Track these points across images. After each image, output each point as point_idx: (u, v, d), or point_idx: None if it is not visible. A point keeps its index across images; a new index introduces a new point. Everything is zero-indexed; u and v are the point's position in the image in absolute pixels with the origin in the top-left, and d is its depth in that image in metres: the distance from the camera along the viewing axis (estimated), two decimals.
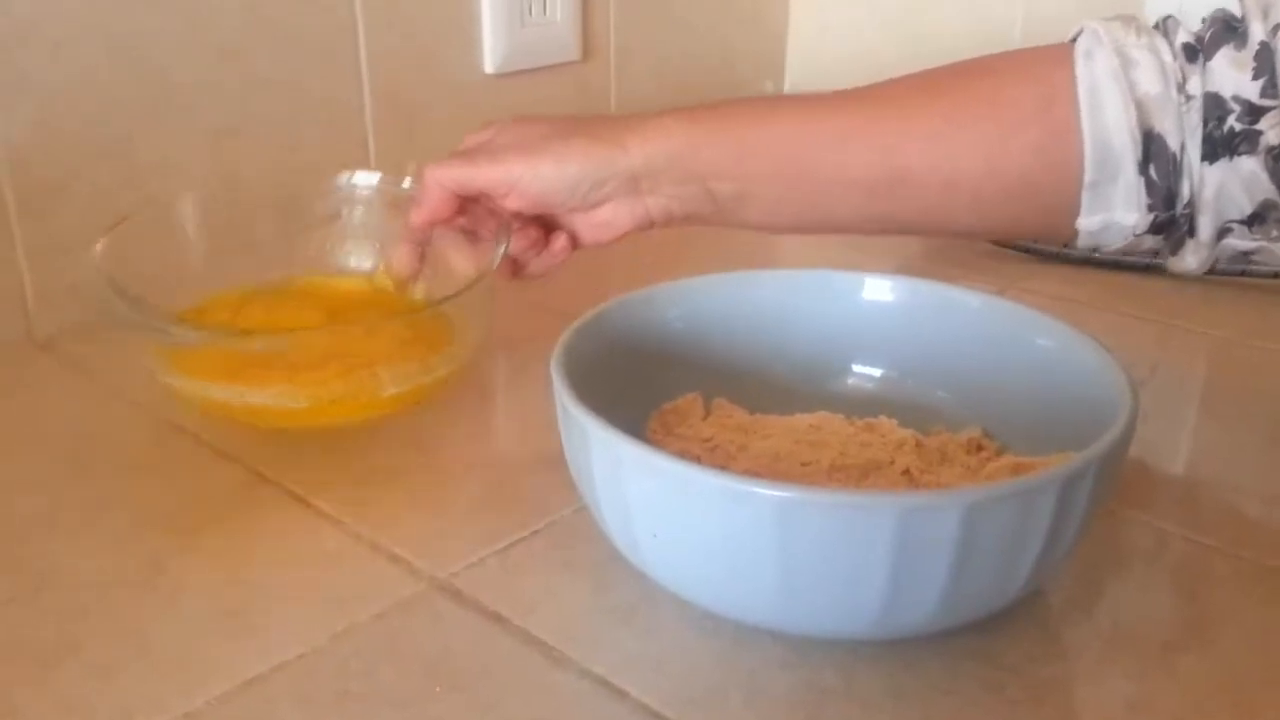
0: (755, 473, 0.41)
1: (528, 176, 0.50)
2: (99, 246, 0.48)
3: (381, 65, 0.69)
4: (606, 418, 0.37)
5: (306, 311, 0.52)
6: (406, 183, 0.56)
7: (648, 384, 0.46)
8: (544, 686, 0.35)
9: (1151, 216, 0.50)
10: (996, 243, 0.72)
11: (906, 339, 0.47)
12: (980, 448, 0.44)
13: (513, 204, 0.51)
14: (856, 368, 0.48)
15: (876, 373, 0.48)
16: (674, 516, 0.35)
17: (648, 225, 0.53)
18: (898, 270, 0.73)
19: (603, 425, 0.36)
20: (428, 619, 0.38)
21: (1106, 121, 0.48)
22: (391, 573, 0.40)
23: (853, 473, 0.41)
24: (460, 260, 0.52)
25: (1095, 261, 0.70)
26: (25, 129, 0.56)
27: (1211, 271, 0.68)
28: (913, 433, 0.43)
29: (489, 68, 0.76)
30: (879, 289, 0.48)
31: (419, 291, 0.54)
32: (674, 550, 0.36)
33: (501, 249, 0.50)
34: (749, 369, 0.47)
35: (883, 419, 0.44)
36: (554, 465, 0.41)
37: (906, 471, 0.41)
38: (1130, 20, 0.50)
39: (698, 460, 0.42)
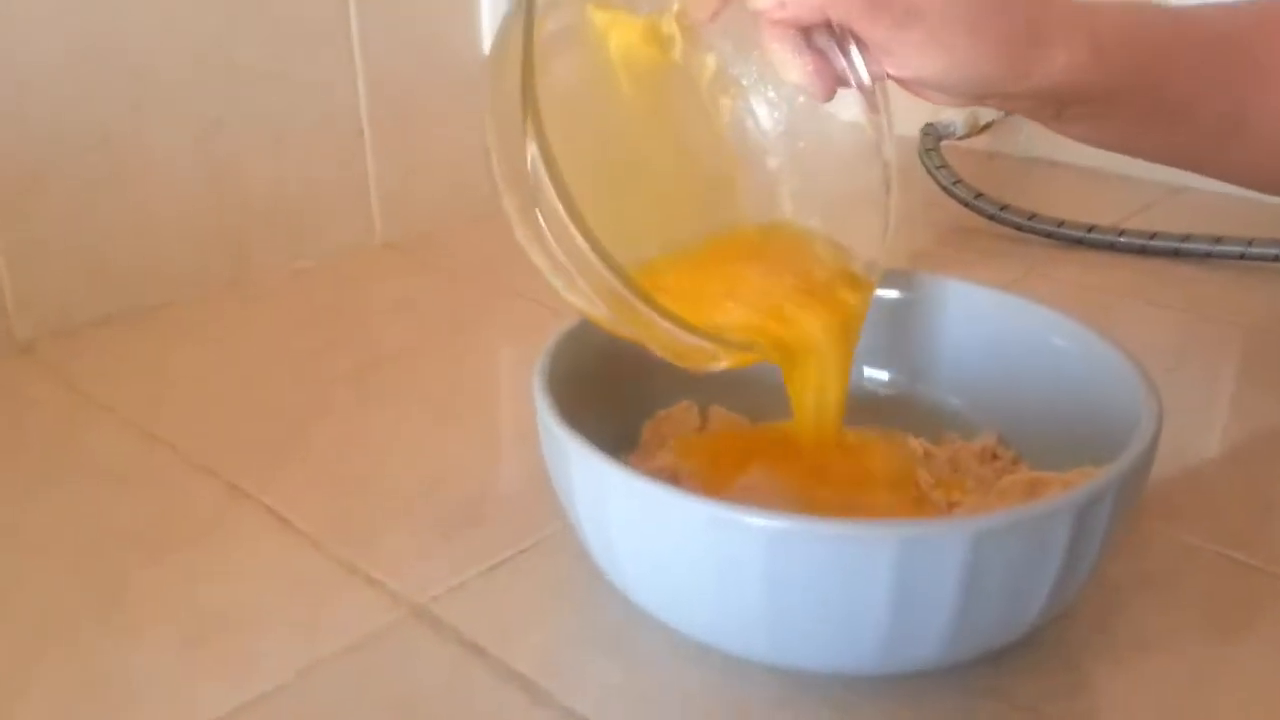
0: (753, 488, 0.39)
1: (914, 64, 0.39)
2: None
3: (375, 49, 0.66)
4: (596, 428, 0.35)
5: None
6: None
7: (641, 390, 0.43)
8: None
9: None
10: (1019, 227, 0.69)
11: (917, 340, 0.44)
12: (995, 456, 0.42)
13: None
14: (865, 370, 0.45)
15: (885, 376, 0.45)
16: (659, 544, 0.32)
17: None
18: (911, 256, 0.70)
19: (585, 446, 0.33)
20: (402, 652, 0.36)
21: None
22: (367, 598, 0.38)
23: (854, 487, 0.39)
24: (782, 62, 0.39)
25: (1121, 246, 0.67)
26: None
27: (1242, 256, 0.64)
28: (922, 442, 0.41)
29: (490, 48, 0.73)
30: (889, 285, 0.45)
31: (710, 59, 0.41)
32: (660, 579, 0.33)
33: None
34: (748, 373, 0.44)
35: (893, 432, 0.42)
36: (545, 476, 0.38)
37: (915, 486, 0.39)
38: None
39: (691, 476, 0.39)
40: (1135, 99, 0.44)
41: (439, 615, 0.37)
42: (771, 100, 0.42)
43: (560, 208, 0.31)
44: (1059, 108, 0.44)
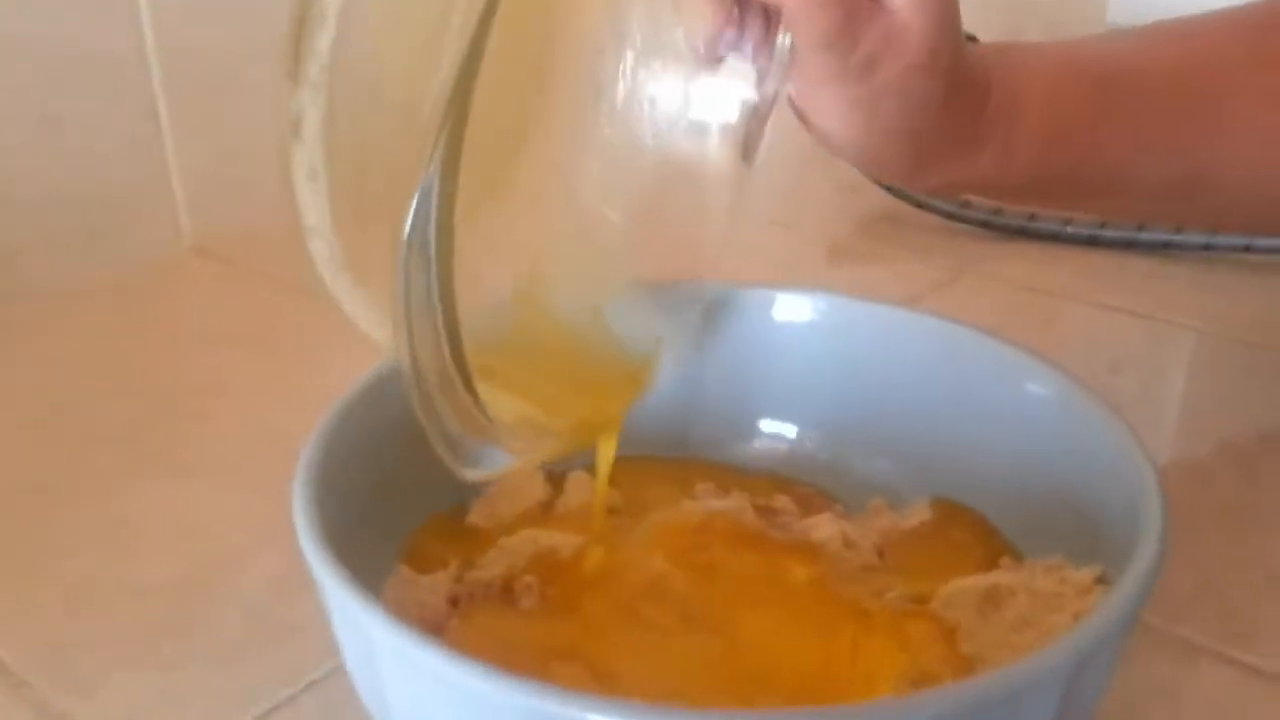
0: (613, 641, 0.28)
1: (828, 113, 0.33)
2: None
3: (168, 10, 0.54)
4: (403, 516, 0.27)
5: None
6: None
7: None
8: None
9: None
10: (950, 216, 0.59)
11: (835, 382, 0.34)
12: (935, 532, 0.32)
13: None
14: (764, 425, 0.35)
15: (792, 432, 0.35)
16: None
17: None
18: (829, 253, 0.60)
19: (348, 587, 0.22)
20: None
21: None
22: None
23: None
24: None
25: (1067, 237, 0.58)
26: None
27: (1208, 248, 0.56)
28: (841, 529, 0.31)
29: None
30: (795, 309, 0.35)
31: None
32: None
33: None
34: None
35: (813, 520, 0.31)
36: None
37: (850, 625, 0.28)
38: None
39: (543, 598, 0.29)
40: (1053, 188, 0.40)
41: None
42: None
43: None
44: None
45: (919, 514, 0.32)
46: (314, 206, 0.24)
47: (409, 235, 0.21)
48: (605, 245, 0.30)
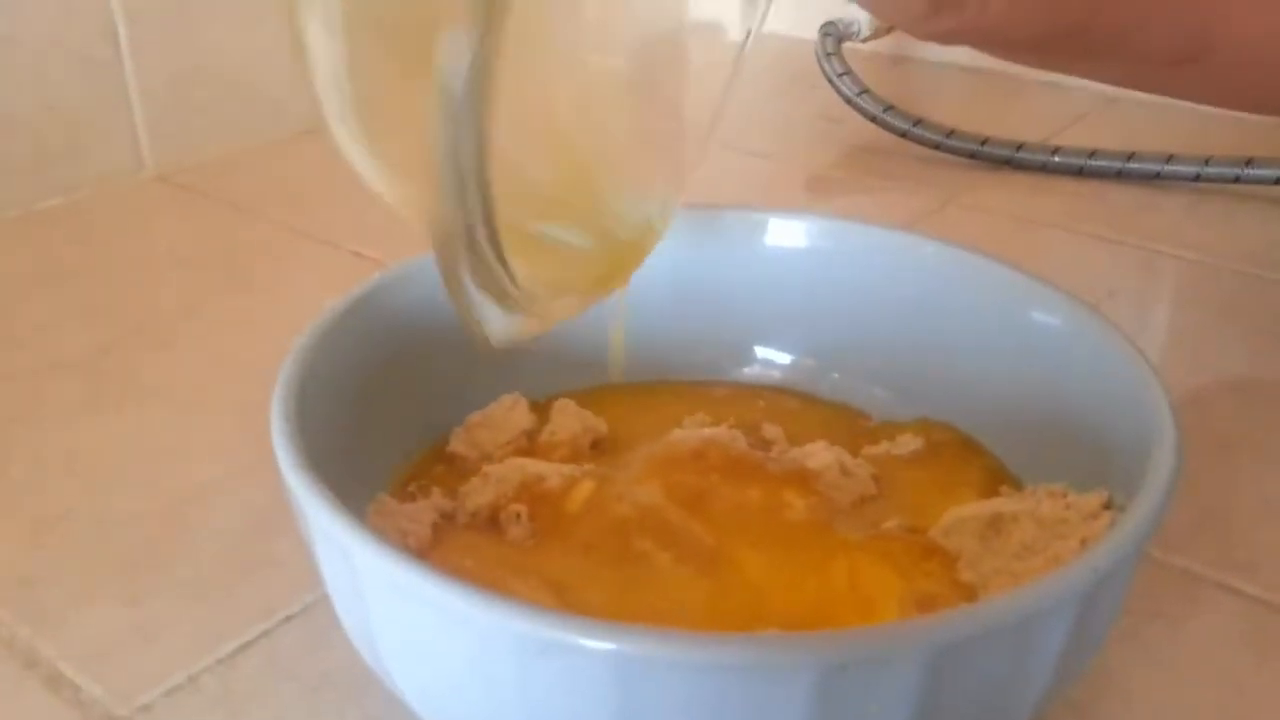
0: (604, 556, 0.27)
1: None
2: None
3: None
4: (382, 448, 0.26)
5: None
6: None
7: (454, 385, 0.31)
8: None
9: None
10: (936, 146, 0.58)
11: (832, 308, 0.33)
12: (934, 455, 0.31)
13: None
14: (759, 351, 0.34)
15: (785, 359, 0.34)
16: (448, 667, 0.21)
17: None
18: (811, 183, 0.59)
19: (331, 509, 0.21)
20: None
21: None
22: (42, 715, 0.26)
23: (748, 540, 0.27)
24: None
25: (1054, 167, 0.57)
26: None
27: (1197, 178, 0.55)
28: (838, 457, 0.30)
29: None
30: (788, 233, 0.33)
31: None
32: (458, 712, 0.22)
33: None
34: (600, 355, 0.33)
35: (798, 450, 0.30)
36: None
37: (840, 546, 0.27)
38: None
39: (515, 516, 0.28)
40: (1056, 45, 0.40)
41: None
42: None
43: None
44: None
45: (917, 441, 0.31)
46: (327, 55, 0.23)
47: (453, 86, 0.19)
48: (614, 93, 0.28)
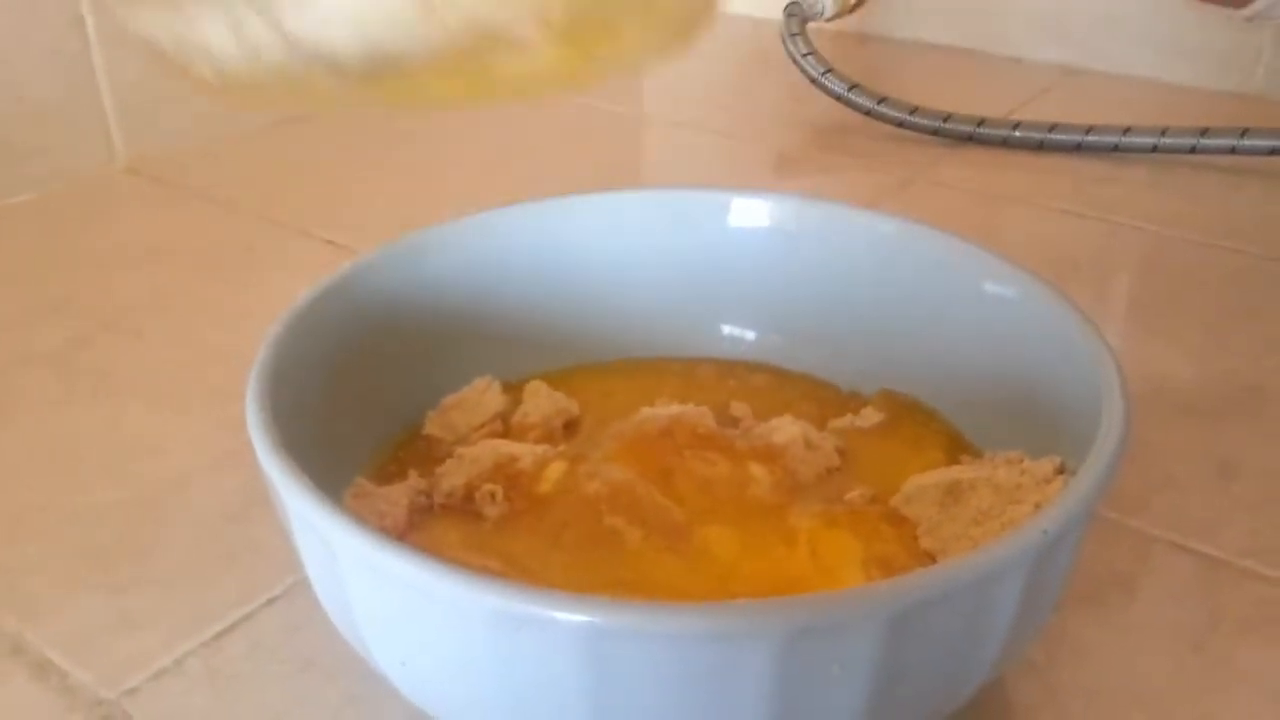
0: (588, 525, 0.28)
1: None
2: None
3: None
4: (360, 432, 0.27)
5: None
6: None
7: (426, 369, 0.32)
8: None
9: None
10: (900, 124, 0.59)
11: (793, 286, 0.34)
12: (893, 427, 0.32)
13: None
14: (726, 329, 0.34)
15: (752, 335, 0.34)
16: (427, 644, 0.22)
17: None
18: (777, 162, 0.60)
19: (308, 493, 0.22)
20: None
21: None
22: (29, 701, 0.27)
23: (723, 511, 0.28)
24: None
25: (1015, 142, 0.58)
26: None
27: (1155, 149, 0.56)
28: (803, 431, 0.30)
29: None
30: (753, 212, 0.34)
31: None
32: (437, 687, 0.23)
33: None
34: (570, 336, 0.34)
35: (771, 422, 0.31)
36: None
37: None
38: None
39: (490, 499, 0.28)
40: None
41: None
42: None
43: None
44: None
45: (880, 414, 0.32)
46: None
47: None
48: None
